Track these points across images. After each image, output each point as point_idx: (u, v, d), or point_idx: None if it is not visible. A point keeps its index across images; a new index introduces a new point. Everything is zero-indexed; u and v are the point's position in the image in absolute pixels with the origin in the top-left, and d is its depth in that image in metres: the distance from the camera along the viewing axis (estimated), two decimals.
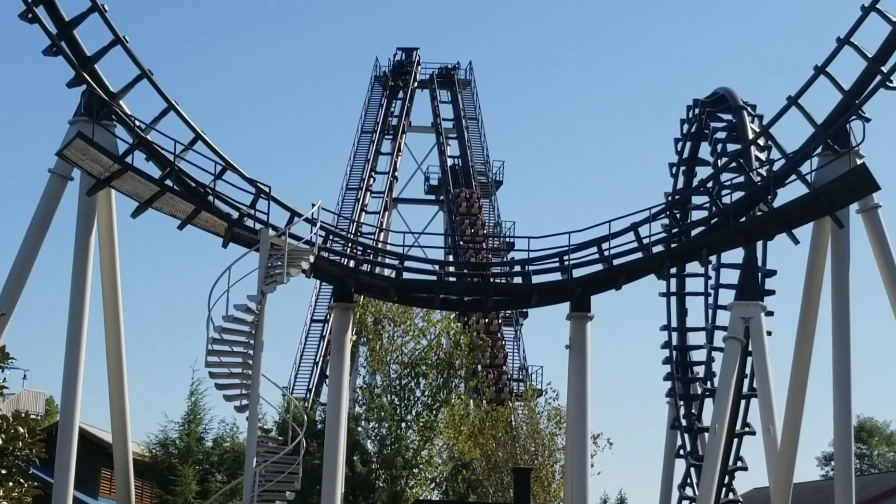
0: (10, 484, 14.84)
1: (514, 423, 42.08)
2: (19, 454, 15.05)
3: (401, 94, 64.75)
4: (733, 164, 37.34)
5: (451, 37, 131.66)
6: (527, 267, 33.51)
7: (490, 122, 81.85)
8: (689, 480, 41.63)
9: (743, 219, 33.24)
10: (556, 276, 32.80)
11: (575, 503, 30.86)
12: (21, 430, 15.04)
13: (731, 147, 39.85)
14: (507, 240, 54.57)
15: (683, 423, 42.46)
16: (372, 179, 61.70)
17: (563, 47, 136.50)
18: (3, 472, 14.80)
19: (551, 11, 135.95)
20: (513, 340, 55.80)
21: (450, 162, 62.78)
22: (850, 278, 32.29)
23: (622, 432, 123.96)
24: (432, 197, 64.02)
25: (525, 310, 47.08)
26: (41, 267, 31.28)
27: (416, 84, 65.41)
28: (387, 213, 61.58)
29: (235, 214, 30.84)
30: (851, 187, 31.20)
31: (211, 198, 30.65)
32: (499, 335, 52.31)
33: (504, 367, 52.08)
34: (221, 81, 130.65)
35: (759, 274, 36.40)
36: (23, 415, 15.78)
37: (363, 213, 59.16)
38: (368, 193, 61.05)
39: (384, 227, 58.49)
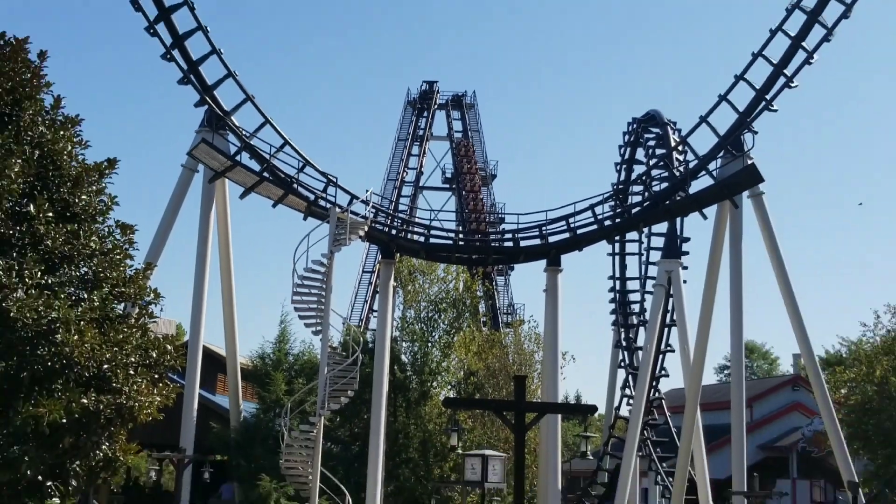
0: (161, 385, 14.88)
1: (505, 344, 42.11)
2: (167, 364, 15.07)
3: (425, 114, 64.18)
4: (661, 164, 37.22)
5: (461, 73, 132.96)
6: (516, 235, 33.39)
7: (488, 132, 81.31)
8: (627, 383, 41.70)
9: (668, 202, 33.18)
10: (537, 241, 32.69)
11: (548, 399, 31.03)
12: (168, 347, 15.05)
13: (658, 151, 39.62)
14: (500, 216, 54.38)
15: (624, 343, 42.48)
16: (405, 173, 61.31)
17: (539, 81, 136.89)
18: (157, 376, 14.83)
19: (532, 55, 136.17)
20: (503, 286, 55.92)
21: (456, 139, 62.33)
22: (742, 242, 32.49)
23: (581, 350, 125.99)
24: (447, 186, 63.54)
25: (513, 264, 46.80)
26: (175, 234, 31.46)
27: (436, 107, 64.58)
28: (415, 196, 61.45)
29: (312, 197, 30.75)
30: (744, 180, 31.17)
31: (295, 185, 30.61)
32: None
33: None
34: (303, 104, 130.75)
35: (678, 240, 36.19)
36: (169, 336, 15.81)
37: (399, 197, 58.99)
38: (402, 183, 60.83)
39: (414, 206, 58.56)
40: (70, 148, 14.97)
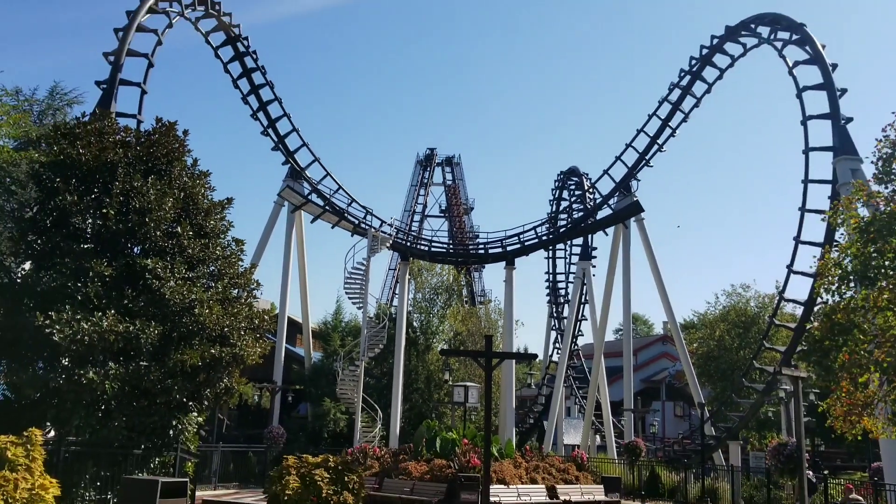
0: (261, 340, 14.95)
1: (479, 315, 42.07)
2: (265, 328, 15.15)
3: (428, 169, 63.79)
4: (578, 200, 37.30)
5: (452, 142, 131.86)
6: (486, 246, 33.43)
7: (468, 179, 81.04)
8: (557, 340, 41.70)
9: (582, 224, 33.28)
10: (499, 250, 32.68)
11: (507, 350, 31.01)
12: (266, 317, 15.12)
13: (577, 192, 39.68)
14: (476, 234, 54.34)
15: (555, 314, 42.50)
16: (417, 206, 61.29)
17: (501, 144, 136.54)
18: (258, 336, 14.91)
19: (497, 129, 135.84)
20: (478, 278, 55.80)
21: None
22: (630, 249, 32.42)
23: (528, 317, 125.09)
24: (443, 215, 63.21)
25: (484, 264, 46.71)
26: (270, 245, 31.12)
27: (435, 164, 64.33)
28: (422, 221, 61.34)
29: (356, 221, 30.66)
30: (631, 211, 31.26)
31: (346, 214, 30.54)
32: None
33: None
34: (352, 160, 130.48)
35: (590, 248, 36.30)
36: (266, 310, 15.87)
37: (412, 222, 58.89)
38: (414, 213, 60.65)
39: (422, 228, 58.50)
40: (203, 191, 15.10)
